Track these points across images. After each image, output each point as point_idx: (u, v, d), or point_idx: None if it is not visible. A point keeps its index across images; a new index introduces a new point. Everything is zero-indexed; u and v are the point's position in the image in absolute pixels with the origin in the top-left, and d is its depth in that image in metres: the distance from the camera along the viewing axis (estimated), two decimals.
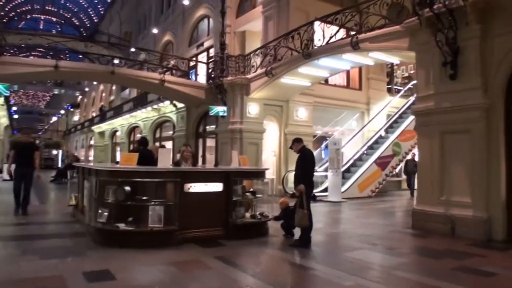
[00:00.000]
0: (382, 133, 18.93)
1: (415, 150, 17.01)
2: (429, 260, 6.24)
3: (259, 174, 8.91)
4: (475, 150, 7.85)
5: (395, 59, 12.32)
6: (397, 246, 7.34)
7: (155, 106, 23.95)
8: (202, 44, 23.12)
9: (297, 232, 7.53)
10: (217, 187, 7.60)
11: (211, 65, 17.85)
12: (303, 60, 12.86)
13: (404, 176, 19.03)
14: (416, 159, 16.72)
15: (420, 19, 8.52)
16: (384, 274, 5.45)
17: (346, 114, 20.26)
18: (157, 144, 21.32)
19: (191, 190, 7.25)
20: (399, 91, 22.01)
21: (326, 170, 15.90)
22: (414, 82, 21.66)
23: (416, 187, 15.90)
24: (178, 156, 9.01)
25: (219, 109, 16.04)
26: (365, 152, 18.11)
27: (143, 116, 26.56)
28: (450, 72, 8.15)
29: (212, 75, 17.08)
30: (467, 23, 7.87)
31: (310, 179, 7.32)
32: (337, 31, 12.04)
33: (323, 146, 19.37)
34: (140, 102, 26.02)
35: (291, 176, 15.89)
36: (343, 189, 15.35)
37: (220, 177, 7.70)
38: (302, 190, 7.02)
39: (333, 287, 4.87)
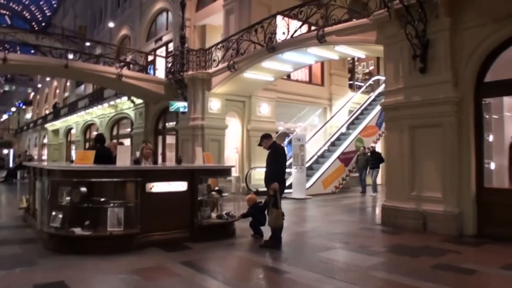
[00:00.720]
0: (345, 129, 18.95)
1: (370, 145, 17.14)
2: (406, 258, 6.02)
3: (225, 171, 8.45)
4: (446, 144, 7.75)
5: (360, 53, 12.17)
6: (370, 244, 7.11)
7: (112, 103, 22.95)
8: (160, 39, 22.35)
9: (266, 231, 7.17)
10: (181, 186, 7.12)
11: (170, 60, 17.20)
12: (267, 54, 12.50)
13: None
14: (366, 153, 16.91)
15: (389, 11, 8.33)
16: (363, 275, 5.16)
17: (308, 109, 20.13)
18: (115, 141, 20.43)
19: (153, 190, 6.74)
20: (360, 87, 22.11)
21: (289, 166, 15.66)
22: (375, 78, 22.00)
23: (371, 182, 16.12)
24: (137, 154, 8.42)
25: (179, 105, 15.43)
26: (328, 148, 18.05)
27: (100, 113, 25.45)
28: (419, 66, 8.01)
29: (172, 70, 16.43)
30: (437, 15, 7.76)
31: (283, 176, 6.98)
32: (302, 25, 11.79)
33: (286, 142, 19.14)
34: (96, 99, 24.90)
35: (254, 174, 15.59)
36: (307, 185, 15.16)
37: (184, 175, 7.22)
38: (276, 189, 6.66)
39: None
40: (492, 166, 8.19)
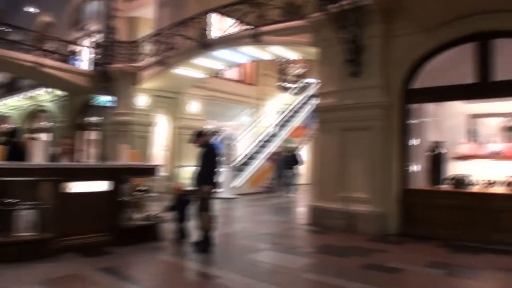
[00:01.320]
0: (274, 129, 19.11)
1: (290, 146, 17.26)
2: (335, 258, 6.05)
3: (152, 170, 8.02)
4: (374, 147, 7.95)
5: (294, 55, 12.21)
6: (300, 245, 7.10)
7: (29, 94, 21.27)
8: (86, 28, 21.08)
9: (191, 231, 6.92)
10: (104, 185, 6.61)
11: (97, 51, 16.24)
12: (200, 51, 12.19)
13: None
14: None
15: (326, 14, 8.38)
16: (294, 277, 5.08)
17: (239, 109, 20.05)
18: (30, 136, 18.95)
19: (72, 189, 6.18)
20: (290, 88, 22.42)
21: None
22: (305, 80, 22.41)
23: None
24: (54, 150, 7.76)
25: (105, 99, 14.62)
26: (258, 147, 18.08)
27: (14, 105, 23.50)
28: (353, 70, 8.14)
29: (98, 62, 15.52)
30: (372, 22, 7.92)
31: (215, 177, 6.70)
32: (236, 23, 11.62)
33: (216, 141, 18.88)
34: (10, 89, 22.97)
35: (182, 172, 15.14)
36: (236, 184, 15.03)
37: (106, 174, 6.73)
38: (209, 192, 6.40)
39: None
40: (414, 168, 8.54)
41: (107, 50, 15.06)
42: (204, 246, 6.40)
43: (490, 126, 11.54)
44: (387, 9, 7.83)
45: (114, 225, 6.57)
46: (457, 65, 7.72)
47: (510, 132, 12.99)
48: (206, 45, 11.91)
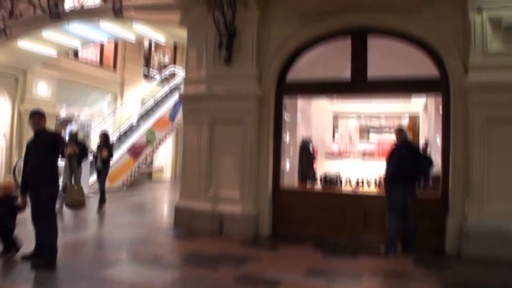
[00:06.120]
0: (136, 120, 17.71)
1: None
2: (206, 271, 5.25)
3: None
4: (246, 141, 7.37)
5: (160, 36, 11.07)
6: (163, 254, 6.16)
7: None
8: None
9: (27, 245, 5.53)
10: None
11: None
12: (49, 22, 10.35)
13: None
14: None
15: None
16: None
17: (96, 95, 18.13)
18: None
19: None
20: (155, 77, 21.16)
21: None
22: (170, 69, 21.34)
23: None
24: None
25: None
26: (117, 139, 16.51)
27: None
28: (225, 56, 7.44)
29: None
30: (247, 5, 7.32)
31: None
32: None
33: (68, 129, 16.75)
34: None
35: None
36: (91, 180, 13.36)
37: None
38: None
39: None
40: (287, 166, 8.23)
41: None
42: (43, 260, 5.09)
43: (350, 126, 12.07)
44: None
45: None
46: (333, 59, 7.56)
47: (367, 132, 13.84)
48: (57, 14, 10.15)
